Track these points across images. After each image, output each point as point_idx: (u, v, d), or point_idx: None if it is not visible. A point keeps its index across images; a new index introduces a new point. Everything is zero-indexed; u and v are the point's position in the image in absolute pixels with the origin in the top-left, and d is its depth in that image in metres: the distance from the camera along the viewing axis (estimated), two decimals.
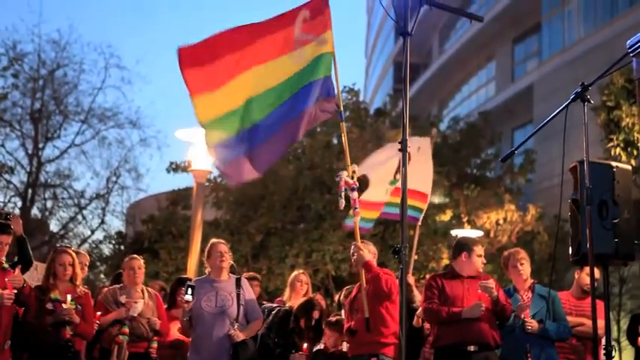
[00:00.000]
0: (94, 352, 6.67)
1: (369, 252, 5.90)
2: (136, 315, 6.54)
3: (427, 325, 6.74)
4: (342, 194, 5.64)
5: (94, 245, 23.87)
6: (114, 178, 23.87)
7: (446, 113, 37.75)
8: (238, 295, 6.29)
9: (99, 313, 6.52)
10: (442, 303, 5.88)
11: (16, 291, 5.84)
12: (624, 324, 16.06)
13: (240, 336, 6.12)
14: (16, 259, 6.25)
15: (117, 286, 6.84)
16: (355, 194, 5.69)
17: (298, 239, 18.36)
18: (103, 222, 23.75)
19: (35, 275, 7.19)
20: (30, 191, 22.67)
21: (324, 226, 18.05)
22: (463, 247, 6.11)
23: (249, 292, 6.47)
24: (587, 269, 6.21)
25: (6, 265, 5.93)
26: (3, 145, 22.52)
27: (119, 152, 23.96)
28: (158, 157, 51.85)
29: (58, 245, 10.13)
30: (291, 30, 5.47)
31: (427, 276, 14.83)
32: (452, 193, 20.03)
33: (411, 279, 7.66)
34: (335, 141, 19.69)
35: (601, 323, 4.72)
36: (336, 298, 8.42)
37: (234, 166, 5.33)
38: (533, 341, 6.07)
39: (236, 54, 5.27)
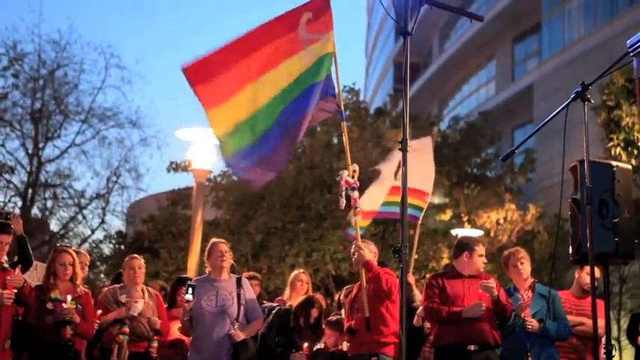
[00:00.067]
0: (95, 352, 6.67)
1: (369, 251, 5.90)
2: (136, 314, 6.54)
3: (427, 325, 6.74)
4: (343, 194, 5.64)
5: (94, 245, 23.90)
6: (114, 178, 23.89)
7: (446, 113, 37.78)
8: (239, 295, 6.29)
9: (99, 312, 6.52)
10: (443, 302, 5.88)
11: (16, 290, 5.84)
12: (624, 323, 16.06)
13: (240, 335, 6.13)
14: (16, 258, 6.25)
15: (117, 285, 6.84)
16: (356, 194, 5.69)
17: (298, 239, 18.37)
18: (103, 222, 23.78)
19: (35, 275, 7.19)
20: (30, 191, 22.68)
21: (325, 225, 18.06)
22: (465, 246, 6.11)
23: (250, 292, 6.47)
24: (587, 268, 6.20)
25: (6, 265, 5.93)
26: (3, 145, 22.55)
27: (119, 152, 23.99)
28: (158, 157, 52.00)
29: (58, 245, 10.16)
30: (297, 33, 5.48)
31: (427, 275, 14.85)
32: (452, 192, 20.04)
33: (411, 278, 7.66)
34: (335, 140, 19.69)
35: (601, 322, 4.72)
36: (337, 297, 8.41)
37: (253, 172, 5.37)
38: (534, 340, 6.07)
39: (244, 63, 5.27)
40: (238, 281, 6.39)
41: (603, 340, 5.12)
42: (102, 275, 24.24)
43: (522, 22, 32.95)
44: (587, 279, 6.54)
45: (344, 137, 5.85)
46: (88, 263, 7.19)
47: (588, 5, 29.15)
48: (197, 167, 11.20)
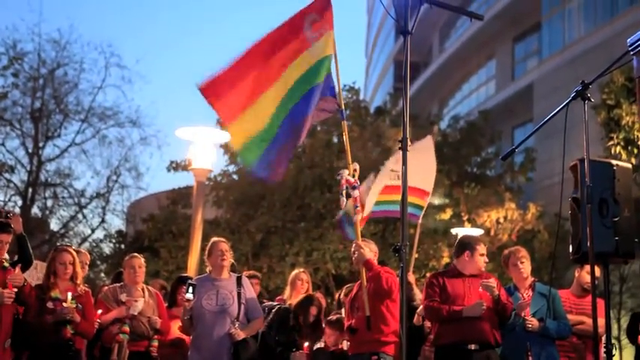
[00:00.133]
0: (95, 351, 6.68)
1: (370, 250, 5.90)
2: (136, 314, 6.54)
3: (427, 324, 6.74)
4: (344, 193, 5.64)
5: (94, 244, 23.91)
6: (114, 177, 23.92)
7: (446, 112, 37.80)
8: (239, 294, 6.29)
9: (99, 311, 6.52)
10: (443, 301, 5.88)
11: (16, 290, 5.84)
12: (625, 322, 16.07)
13: (240, 335, 6.13)
14: (16, 257, 6.25)
15: (117, 284, 6.84)
16: (356, 193, 5.69)
17: (299, 238, 18.38)
18: (103, 221, 23.80)
19: (35, 274, 7.20)
20: (30, 190, 22.69)
21: (325, 224, 18.07)
22: (466, 245, 6.11)
23: (250, 291, 6.47)
24: (587, 267, 6.20)
25: (6, 264, 5.93)
26: (3, 144, 22.57)
27: (119, 151, 24.01)
28: (158, 156, 52.10)
29: (58, 244, 10.14)
30: (304, 34, 5.54)
31: (428, 274, 14.85)
32: (452, 191, 20.04)
33: (411, 277, 7.66)
34: (335, 140, 19.70)
35: (601, 321, 4.72)
36: (337, 296, 8.42)
37: (270, 171, 5.43)
38: (534, 340, 6.07)
39: (256, 74, 5.34)
40: (239, 280, 6.39)
41: (603, 339, 5.11)
42: (102, 274, 24.25)
43: (522, 22, 32.96)
44: (587, 278, 6.54)
45: (344, 136, 5.86)
46: (88, 262, 7.19)
47: (588, 5, 29.16)
48: (197, 166, 11.20)
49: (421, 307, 6.53)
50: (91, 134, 23.71)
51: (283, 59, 5.45)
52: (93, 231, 23.89)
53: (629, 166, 5.04)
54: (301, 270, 7.87)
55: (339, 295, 7.66)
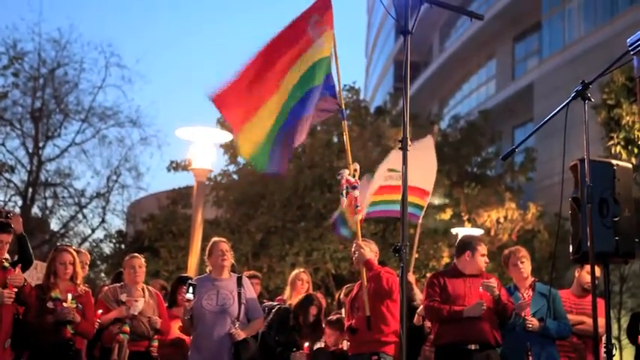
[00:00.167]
0: (95, 351, 6.67)
1: (370, 250, 5.91)
2: (136, 314, 6.54)
3: (428, 324, 6.74)
4: (344, 192, 5.64)
5: (94, 244, 23.92)
6: (114, 177, 23.93)
7: (446, 112, 37.79)
8: (239, 294, 6.30)
9: (99, 311, 6.52)
10: (444, 301, 5.88)
11: (16, 290, 5.84)
12: (625, 322, 16.07)
13: (241, 335, 6.13)
14: (16, 257, 6.25)
15: (117, 284, 6.84)
16: (356, 192, 5.69)
17: (299, 238, 18.38)
18: (103, 221, 23.81)
19: (35, 274, 7.19)
20: (30, 190, 22.69)
21: (325, 224, 18.05)
22: (467, 245, 6.11)
23: (250, 291, 6.47)
24: (587, 267, 6.20)
25: (7, 264, 5.93)
26: (3, 144, 22.57)
27: (119, 151, 24.03)
28: (158, 156, 52.13)
29: (58, 244, 10.13)
30: (307, 36, 5.58)
31: (428, 274, 14.83)
32: (452, 191, 20.03)
33: (411, 277, 7.66)
34: (335, 139, 19.70)
35: (602, 321, 4.72)
36: (337, 296, 8.42)
37: (278, 166, 5.49)
38: (534, 339, 6.07)
39: (261, 81, 5.43)
40: (239, 280, 6.40)
41: (604, 339, 5.11)
42: (102, 274, 24.25)
43: (523, 21, 32.96)
44: (587, 278, 6.54)
45: (345, 137, 5.87)
46: (88, 262, 7.19)
47: (588, 4, 29.16)
48: (197, 166, 11.19)
49: (421, 307, 6.53)
50: (91, 134, 23.76)
51: (287, 63, 5.52)
52: (93, 231, 23.93)
53: (630, 165, 5.03)
54: (301, 270, 7.87)
55: (339, 295, 7.66)
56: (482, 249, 6.10)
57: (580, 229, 4.57)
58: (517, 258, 6.45)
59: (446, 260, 17.99)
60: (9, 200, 22.30)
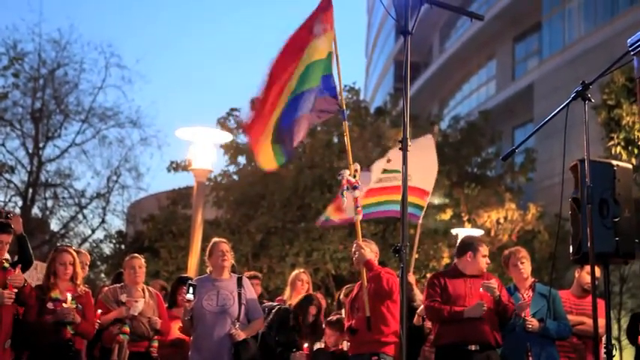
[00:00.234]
0: (95, 352, 6.67)
1: (370, 251, 5.91)
2: (136, 314, 6.54)
3: (427, 324, 6.74)
4: (344, 193, 5.65)
5: (94, 244, 23.90)
6: (114, 178, 23.90)
7: (446, 112, 37.79)
8: (239, 295, 6.30)
9: (99, 312, 6.51)
10: (444, 302, 5.88)
11: (16, 290, 5.84)
12: (625, 323, 16.06)
13: (241, 335, 6.13)
14: (16, 258, 6.24)
15: (117, 285, 6.84)
16: (357, 193, 5.70)
17: (299, 238, 18.37)
18: (103, 221, 23.79)
19: (35, 274, 7.19)
20: (30, 190, 22.68)
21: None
22: (469, 246, 6.11)
23: (251, 291, 6.47)
24: (587, 268, 6.20)
25: (7, 265, 5.93)
26: (3, 145, 22.55)
27: (119, 151, 24.00)
28: (158, 156, 52.06)
29: (58, 244, 10.14)
30: (312, 36, 5.65)
31: (428, 275, 14.83)
32: (452, 191, 20.04)
33: (411, 278, 7.66)
34: (335, 140, 19.70)
35: (602, 322, 4.72)
36: (337, 297, 8.42)
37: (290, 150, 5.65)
38: (534, 340, 6.07)
39: (273, 87, 5.58)
40: (239, 281, 6.40)
41: (604, 339, 5.11)
42: (102, 275, 24.25)
43: (523, 22, 32.96)
44: (587, 278, 6.54)
45: (346, 137, 5.88)
46: (88, 263, 7.19)
47: (589, 5, 29.16)
48: (197, 167, 11.19)
49: (421, 307, 6.53)
50: (92, 134, 23.73)
51: (294, 67, 5.60)
52: (93, 231, 23.92)
53: (630, 166, 5.03)
54: (301, 270, 7.87)
55: (339, 295, 7.66)
56: (484, 250, 6.10)
57: (580, 229, 4.57)
58: (517, 258, 6.44)
59: (446, 261, 17.98)
60: (9, 201, 22.32)
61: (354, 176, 5.71)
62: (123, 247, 22.83)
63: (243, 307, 6.28)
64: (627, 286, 20.00)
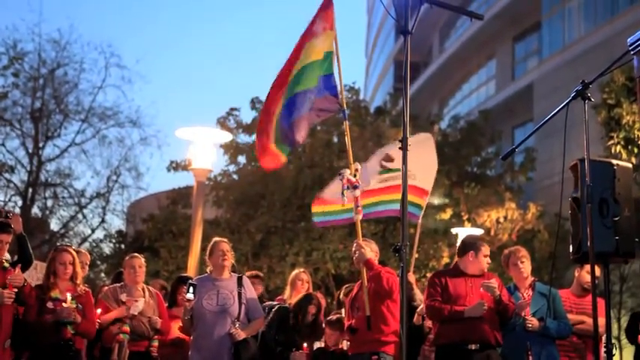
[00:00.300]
0: (95, 351, 6.67)
1: (371, 250, 5.91)
2: (136, 314, 6.54)
3: (427, 323, 6.74)
4: (345, 192, 5.65)
5: (94, 244, 23.90)
6: (114, 177, 23.89)
7: (446, 112, 37.79)
8: (240, 294, 6.29)
9: (99, 311, 6.51)
10: (445, 301, 5.88)
11: (16, 290, 5.84)
12: (625, 322, 16.07)
13: (241, 335, 6.13)
14: (16, 257, 6.24)
15: (117, 284, 6.84)
16: (357, 192, 5.70)
17: (299, 238, 18.38)
18: (103, 221, 23.79)
19: (35, 274, 7.20)
20: (30, 190, 22.68)
21: None
22: (471, 246, 6.11)
23: (251, 291, 6.47)
24: (587, 267, 6.20)
25: (7, 264, 5.93)
26: (3, 144, 22.55)
27: (119, 151, 23.99)
28: (158, 156, 52.12)
29: (58, 244, 10.13)
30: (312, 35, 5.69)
31: (428, 274, 14.82)
32: (452, 191, 20.04)
33: (411, 277, 7.66)
34: (335, 139, 19.70)
35: (602, 321, 4.72)
36: (337, 296, 8.42)
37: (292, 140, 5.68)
38: (534, 339, 6.07)
39: (276, 88, 5.70)
40: (239, 280, 6.40)
41: (604, 338, 5.12)
42: (102, 274, 24.24)
43: (522, 21, 32.95)
44: (587, 278, 6.54)
45: (347, 137, 5.89)
46: (88, 262, 7.18)
47: (588, 4, 29.15)
48: (197, 166, 11.21)
49: (421, 306, 6.53)
50: (91, 134, 23.73)
51: (292, 67, 5.66)
52: (93, 231, 23.91)
53: (630, 165, 5.03)
54: (301, 270, 7.87)
55: (339, 294, 7.66)
56: (486, 250, 6.11)
57: (580, 229, 4.57)
58: (517, 258, 6.45)
59: (446, 260, 17.98)
60: (9, 200, 22.31)
61: (355, 175, 5.71)
62: (123, 246, 22.84)
63: (243, 306, 6.27)
64: (627, 285, 19.99)
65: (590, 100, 4.42)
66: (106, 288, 6.98)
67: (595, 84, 4.50)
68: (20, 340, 5.96)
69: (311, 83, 5.63)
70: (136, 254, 7.05)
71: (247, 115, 21.38)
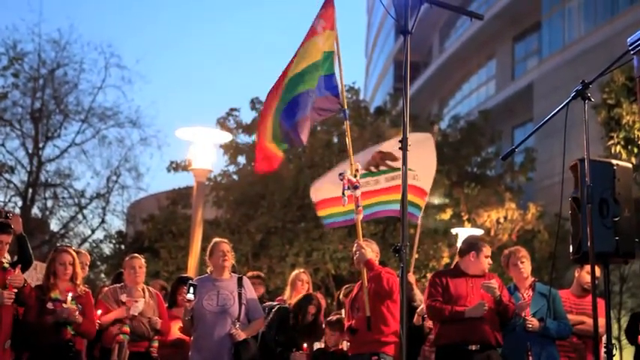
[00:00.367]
0: (95, 352, 6.67)
1: (371, 251, 5.91)
2: (136, 314, 6.54)
3: (427, 324, 6.74)
4: (345, 193, 5.65)
5: (94, 245, 23.89)
6: (114, 178, 23.87)
7: (446, 112, 37.80)
8: (240, 295, 6.29)
9: (99, 312, 6.51)
10: (446, 301, 5.88)
11: (16, 290, 5.83)
12: (625, 322, 16.06)
13: (241, 335, 6.13)
14: (15, 258, 6.24)
15: (118, 285, 6.83)
16: (358, 192, 5.70)
17: (298, 238, 18.38)
18: (103, 221, 23.77)
19: (35, 275, 7.19)
20: (30, 190, 22.66)
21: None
22: (472, 246, 6.11)
23: (251, 292, 6.47)
24: (587, 267, 6.20)
25: (6, 265, 5.92)
26: (3, 145, 22.54)
27: (119, 151, 23.97)
28: (158, 157, 52.14)
29: (58, 244, 10.14)
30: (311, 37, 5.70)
31: (428, 275, 14.81)
32: (452, 191, 20.04)
33: (411, 278, 7.66)
34: (335, 139, 19.70)
35: (602, 321, 4.72)
36: (337, 296, 8.41)
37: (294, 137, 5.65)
38: (534, 340, 6.07)
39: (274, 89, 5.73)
40: (239, 281, 6.40)
41: (604, 339, 5.11)
42: (102, 275, 24.24)
43: (522, 21, 32.95)
44: (587, 278, 6.54)
45: (347, 137, 5.88)
46: (88, 263, 7.18)
47: (588, 4, 29.15)
48: (197, 167, 11.20)
49: (421, 307, 6.52)
50: (91, 134, 23.71)
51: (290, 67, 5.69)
52: (93, 231, 23.90)
53: (630, 165, 5.02)
54: (301, 270, 7.86)
55: (339, 295, 7.65)
56: (487, 250, 6.11)
57: (580, 229, 4.56)
58: (517, 258, 6.44)
59: (446, 260, 17.98)
60: (9, 201, 22.30)
61: (355, 176, 5.71)
62: (123, 247, 22.83)
63: (243, 307, 6.27)
64: (627, 286, 19.99)
65: (590, 100, 4.42)
66: (106, 289, 6.97)
67: (595, 84, 4.50)
68: (20, 341, 5.96)
69: (310, 85, 5.63)
70: (136, 255, 7.05)
71: (247, 116, 21.40)
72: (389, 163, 7.58)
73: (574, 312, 6.59)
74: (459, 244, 6.46)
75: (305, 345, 6.62)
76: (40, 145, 22.83)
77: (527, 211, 20.43)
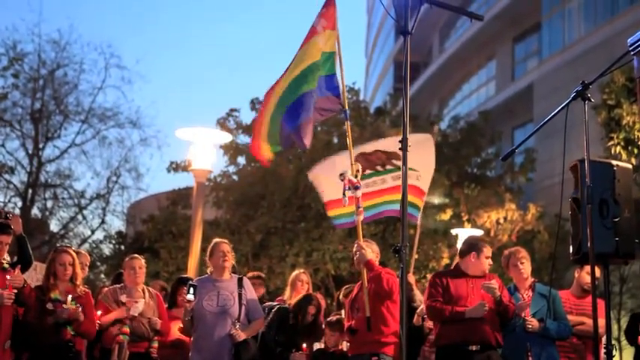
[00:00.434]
0: (95, 352, 6.67)
1: (371, 251, 5.91)
2: (136, 315, 6.54)
3: (427, 324, 6.74)
4: (346, 193, 5.64)
5: (94, 245, 23.88)
6: (114, 178, 23.86)
7: (446, 112, 37.80)
8: (240, 295, 6.29)
9: (99, 312, 6.51)
10: (446, 302, 5.88)
11: (16, 291, 5.83)
12: (625, 323, 16.06)
13: (241, 336, 6.12)
14: (15, 258, 6.24)
15: (117, 285, 6.83)
16: (359, 193, 5.70)
17: (298, 238, 18.37)
18: (103, 222, 23.76)
19: (34, 275, 7.19)
20: (30, 191, 22.65)
21: (325, 225, 18.06)
22: (473, 247, 6.11)
23: (251, 292, 6.47)
24: (587, 268, 6.20)
25: (6, 265, 5.92)
26: (3, 145, 22.53)
27: (119, 152, 23.95)
28: (158, 157, 52.03)
29: (58, 245, 10.12)
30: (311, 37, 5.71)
31: (428, 275, 14.82)
32: (452, 192, 20.04)
33: (411, 278, 7.66)
34: (335, 140, 19.69)
35: (602, 322, 4.72)
36: (336, 297, 8.41)
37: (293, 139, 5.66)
38: (534, 340, 6.07)
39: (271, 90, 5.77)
40: (240, 281, 6.39)
41: (604, 339, 5.11)
42: (102, 275, 24.23)
43: (522, 22, 32.97)
44: (587, 278, 6.54)
45: (348, 137, 5.88)
46: (88, 263, 7.18)
47: (588, 4, 29.16)
48: (197, 167, 11.20)
49: (421, 307, 6.52)
50: (91, 135, 23.70)
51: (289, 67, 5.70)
52: (93, 232, 23.89)
53: (630, 166, 5.02)
54: (301, 271, 7.86)
55: (339, 295, 7.65)
56: (488, 251, 6.11)
57: (580, 229, 4.56)
58: (517, 259, 6.44)
59: (446, 261, 17.98)
60: (9, 201, 22.29)
61: (356, 176, 5.71)
62: (123, 247, 22.82)
63: (243, 307, 6.27)
64: (627, 287, 20.00)
65: (590, 100, 4.42)
66: (106, 289, 6.97)
67: (595, 84, 4.50)
68: (20, 341, 5.95)
69: (311, 85, 5.62)
70: (136, 255, 7.05)
71: (247, 116, 21.39)
72: (395, 162, 7.58)
73: (574, 312, 6.59)
74: (458, 245, 6.47)
75: (305, 345, 6.62)
76: (40, 146, 22.84)
77: (527, 212, 20.43)
